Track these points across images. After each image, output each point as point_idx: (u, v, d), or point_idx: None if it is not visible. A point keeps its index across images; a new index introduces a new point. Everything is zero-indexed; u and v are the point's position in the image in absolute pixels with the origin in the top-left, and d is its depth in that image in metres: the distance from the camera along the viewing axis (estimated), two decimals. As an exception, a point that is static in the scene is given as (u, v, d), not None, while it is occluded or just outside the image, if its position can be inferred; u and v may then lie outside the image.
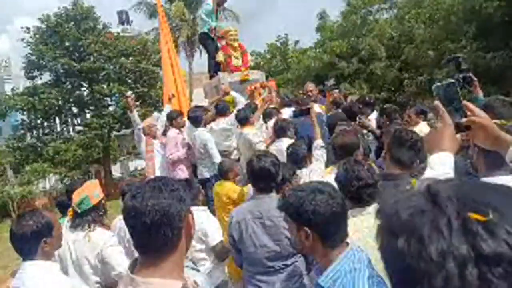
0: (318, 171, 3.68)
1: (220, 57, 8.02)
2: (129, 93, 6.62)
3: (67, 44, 15.93)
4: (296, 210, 1.53)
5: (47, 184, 18.75)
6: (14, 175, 16.15)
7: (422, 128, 4.38)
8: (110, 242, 2.77)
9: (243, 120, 5.14)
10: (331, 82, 9.31)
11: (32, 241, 2.06)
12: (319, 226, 1.49)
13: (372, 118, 5.59)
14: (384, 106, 5.03)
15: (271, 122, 5.16)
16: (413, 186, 2.45)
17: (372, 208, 2.08)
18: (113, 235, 2.89)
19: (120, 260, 2.74)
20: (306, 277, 2.41)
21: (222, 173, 4.20)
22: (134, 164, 20.93)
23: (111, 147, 17.92)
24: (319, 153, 3.81)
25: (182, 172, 5.40)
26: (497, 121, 1.81)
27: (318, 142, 3.94)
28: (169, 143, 5.43)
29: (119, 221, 3.29)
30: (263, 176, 2.50)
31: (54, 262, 2.32)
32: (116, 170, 23.14)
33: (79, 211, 2.75)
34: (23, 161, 16.26)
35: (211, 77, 8.22)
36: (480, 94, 3.77)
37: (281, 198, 2.61)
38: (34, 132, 18.02)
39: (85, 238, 2.75)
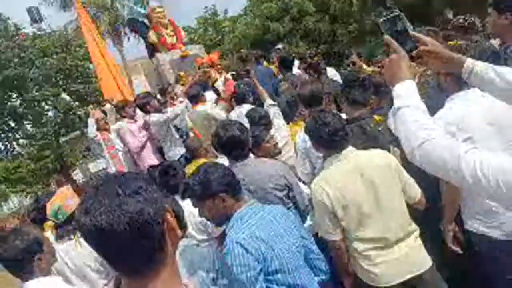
0: (282, 127, 3.79)
1: (152, 37, 7.73)
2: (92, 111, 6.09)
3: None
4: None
5: (11, 205, 17.75)
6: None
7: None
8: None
9: (195, 98, 5.12)
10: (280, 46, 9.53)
11: (25, 261, 1.97)
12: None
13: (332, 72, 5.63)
14: (309, 62, 5.16)
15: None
16: (378, 122, 2.61)
17: (348, 152, 2.14)
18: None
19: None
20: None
21: (192, 153, 4.07)
22: (95, 165, 20.08)
23: (64, 154, 16.97)
24: (274, 111, 3.89)
25: (151, 160, 5.26)
26: (451, 42, 1.98)
27: (268, 101, 4.02)
28: (125, 135, 5.21)
29: None
30: (234, 144, 2.48)
31: (56, 276, 2.24)
32: (78, 175, 22.12)
33: (57, 222, 2.66)
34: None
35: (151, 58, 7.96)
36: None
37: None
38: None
39: (76, 246, 2.65)
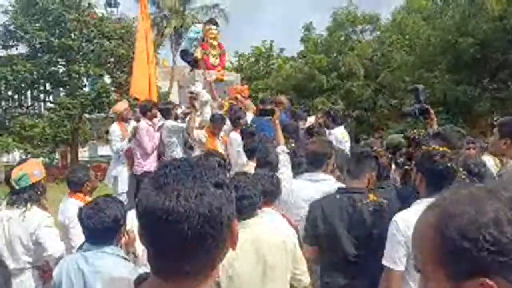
0: (287, 178, 3.52)
1: (198, 53, 8.10)
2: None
3: (48, 18, 15.54)
4: None
5: (10, 158, 18.17)
6: (-24, 145, 15.59)
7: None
8: (45, 223, 2.72)
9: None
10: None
11: None
12: None
13: (337, 133, 5.63)
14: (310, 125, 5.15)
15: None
16: (370, 200, 2.52)
17: (253, 221, 2.05)
18: (50, 215, 2.83)
19: (54, 242, 2.71)
20: None
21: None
22: (104, 150, 20.53)
23: (81, 129, 17.53)
24: (283, 158, 3.71)
25: (151, 166, 5.33)
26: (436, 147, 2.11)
27: (281, 147, 3.81)
28: (143, 134, 5.37)
29: (62, 205, 3.25)
30: None
31: None
32: (84, 153, 22.65)
33: (17, 187, 2.71)
34: (-13, 133, 15.69)
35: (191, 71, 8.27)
36: (435, 126, 3.84)
37: None
38: (3, 103, 17.46)
39: (20, 216, 2.69)
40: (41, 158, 14.59)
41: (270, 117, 4.19)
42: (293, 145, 4.27)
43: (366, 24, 18.02)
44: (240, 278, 1.95)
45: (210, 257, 0.75)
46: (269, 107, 4.87)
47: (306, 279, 2.14)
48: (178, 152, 5.40)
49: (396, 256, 1.98)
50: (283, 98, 6.98)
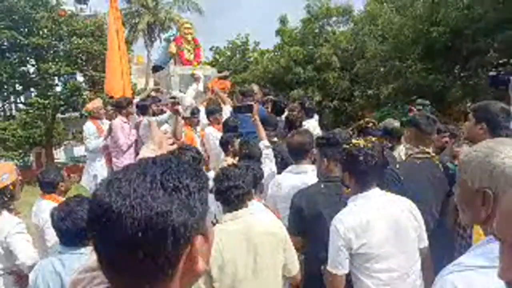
0: (269, 171, 3.57)
1: (172, 48, 8.00)
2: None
3: (14, 16, 15.01)
4: None
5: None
6: None
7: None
8: (16, 229, 2.65)
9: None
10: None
11: None
12: None
13: (311, 124, 5.73)
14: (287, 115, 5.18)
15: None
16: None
17: (243, 212, 2.06)
18: (21, 221, 2.76)
19: (25, 249, 2.65)
20: None
21: None
22: (79, 150, 20.10)
23: (55, 130, 17.09)
24: (267, 153, 3.73)
25: (130, 161, 5.31)
26: None
27: (264, 142, 3.81)
28: (117, 131, 5.32)
29: (35, 207, 3.19)
30: None
31: None
32: (60, 154, 22.11)
33: None
34: (-44, 136, 15.11)
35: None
36: None
37: None
38: (-29, 105, 16.84)
39: None
40: (15, 161, 14.17)
41: (248, 113, 4.17)
42: (275, 139, 4.27)
43: (340, 15, 18.15)
44: (231, 267, 1.97)
45: (152, 272, 0.64)
46: (244, 104, 4.86)
47: (296, 268, 2.17)
48: None
49: (338, 260, 2.00)
50: (255, 87, 6.93)
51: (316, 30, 18.37)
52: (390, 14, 14.90)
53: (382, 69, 15.58)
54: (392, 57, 14.75)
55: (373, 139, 2.20)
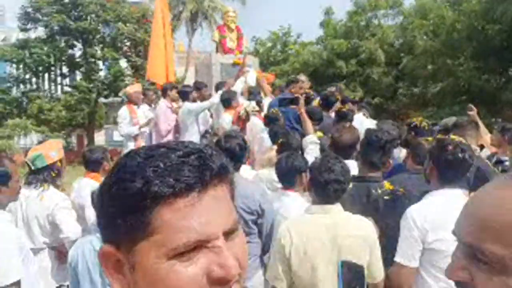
0: None
1: (215, 36, 7.96)
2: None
3: (65, 0, 15.51)
4: None
5: (28, 141, 18.44)
6: (-4, 127, 15.82)
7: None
8: (62, 204, 2.73)
9: (226, 102, 5.10)
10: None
11: None
12: None
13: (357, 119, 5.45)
14: (338, 108, 4.88)
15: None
16: (386, 189, 2.46)
17: (333, 208, 2.00)
18: (67, 197, 2.85)
19: (70, 224, 2.71)
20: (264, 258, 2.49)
21: None
22: (118, 134, 20.70)
23: (97, 113, 17.64)
24: (312, 148, 3.59)
25: None
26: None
27: (311, 137, 3.64)
28: (161, 115, 5.45)
29: (77, 184, 3.22)
30: (229, 156, 2.46)
31: (7, 212, 2.29)
32: (100, 137, 22.87)
33: (33, 168, 2.70)
34: (6, 115, 15.92)
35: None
36: None
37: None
38: (21, 86, 17.62)
39: (38, 197, 2.70)
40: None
41: (294, 106, 3.98)
42: (320, 134, 4.06)
43: (389, 8, 17.40)
44: (312, 261, 1.91)
45: None
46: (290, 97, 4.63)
47: (380, 274, 2.01)
48: (194, 134, 5.35)
49: (410, 252, 1.87)
50: (303, 77, 6.64)
51: (362, 23, 17.71)
52: (443, 8, 14.11)
53: (430, 66, 14.82)
54: (442, 54, 13.99)
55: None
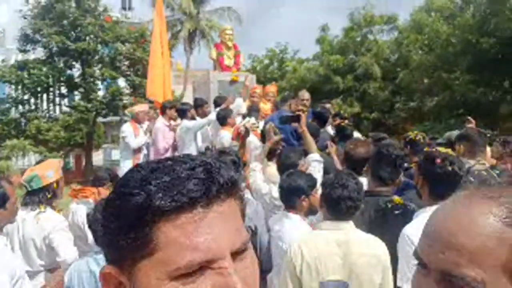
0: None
1: (212, 54, 8.02)
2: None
3: (64, 22, 15.67)
4: None
5: (26, 162, 18.37)
6: (-6, 148, 15.77)
7: None
8: (59, 227, 2.69)
9: (222, 120, 5.10)
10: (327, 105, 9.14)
11: None
12: None
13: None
14: (338, 122, 4.90)
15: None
16: (395, 203, 2.40)
17: (346, 224, 1.95)
18: (64, 219, 2.80)
19: (67, 247, 2.66)
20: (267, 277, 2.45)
21: None
22: (117, 153, 20.65)
23: (96, 133, 17.62)
24: (315, 165, 3.37)
25: None
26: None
27: (314, 155, 3.45)
28: (159, 133, 5.49)
29: (75, 205, 3.18)
30: None
31: (4, 234, 2.26)
32: (98, 157, 22.79)
33: (29, 189, 2.66)
34: (4, 136, 15.89)
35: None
36: None
37: None
38: (20, 107, 17.65)
39: (34, 218, 2.66)
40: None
41: (296, 123, 3.87)
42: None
43: (384, 24, 17.67)
44: (323, 278, 1.85)
45: None
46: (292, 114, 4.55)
47: None
48: (192, 152, 5.34)
49: (410, 275, 1.78)
50: (306, 94, 6.31)
51: (358, 39, 17.97)
52: (438, 23, 14.33)
53: (426, 80, 14.97)
54: (438, 68, 14.15)
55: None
